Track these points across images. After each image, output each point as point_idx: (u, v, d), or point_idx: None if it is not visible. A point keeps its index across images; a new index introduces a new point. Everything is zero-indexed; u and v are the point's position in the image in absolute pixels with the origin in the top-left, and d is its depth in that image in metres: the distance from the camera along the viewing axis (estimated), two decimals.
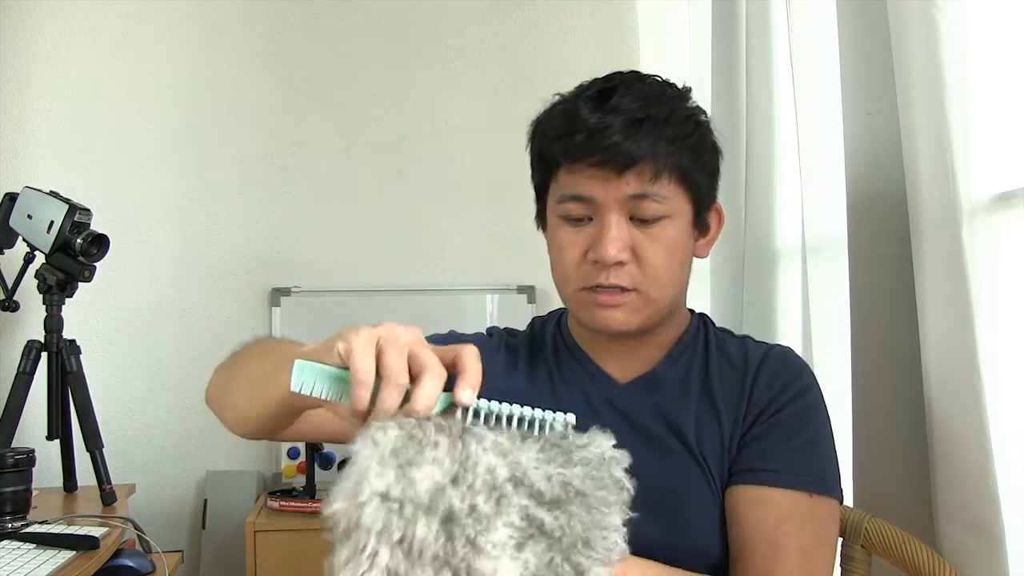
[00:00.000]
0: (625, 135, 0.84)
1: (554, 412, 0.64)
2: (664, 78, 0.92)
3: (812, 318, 1.37)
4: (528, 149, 0.95)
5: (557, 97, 0.93)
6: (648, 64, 2.32)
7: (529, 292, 2.39)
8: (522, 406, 0.63)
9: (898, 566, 0.97)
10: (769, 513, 0.85)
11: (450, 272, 2.43)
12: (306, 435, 0.96)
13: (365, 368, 0.60)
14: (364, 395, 0.60)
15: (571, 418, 0.64)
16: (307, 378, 0.61)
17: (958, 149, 0.93)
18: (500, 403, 0.63)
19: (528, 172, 0.96)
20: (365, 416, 0.61)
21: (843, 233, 1.20)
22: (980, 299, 0.91)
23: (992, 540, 0.90)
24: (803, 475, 0.86)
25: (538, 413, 0.63)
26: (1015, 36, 0.94)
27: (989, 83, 0.94)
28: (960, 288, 0.92)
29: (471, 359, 0.63)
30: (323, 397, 0.62)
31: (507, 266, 2.41)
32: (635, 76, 0.91)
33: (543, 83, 2.38)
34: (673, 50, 2.21)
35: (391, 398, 0.60)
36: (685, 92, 0.92)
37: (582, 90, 0.90)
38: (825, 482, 0.88)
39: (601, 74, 0.92)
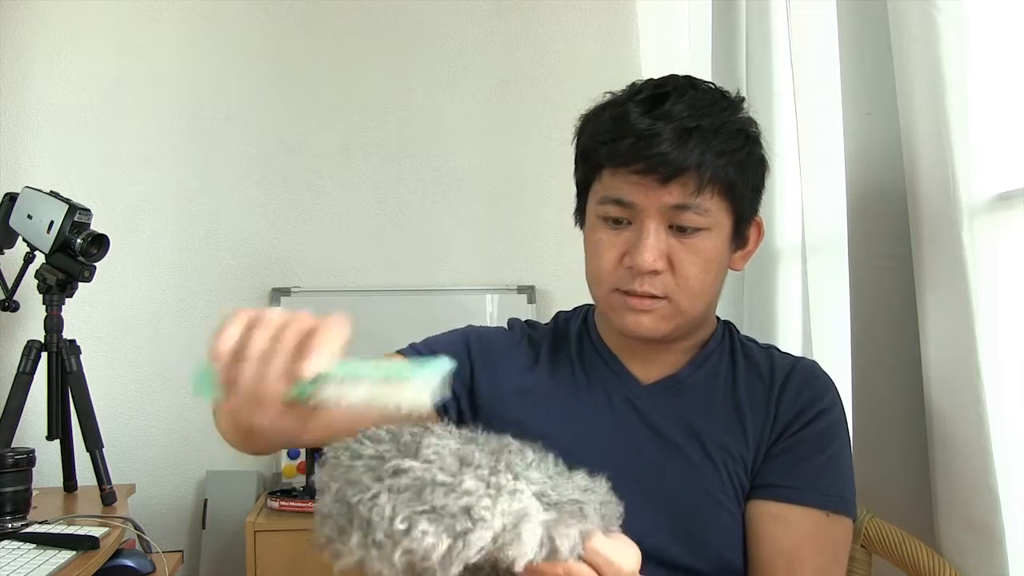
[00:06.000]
0: (673, 144, 0.82)
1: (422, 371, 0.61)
2: (718, 86, 0.90)
3: (812, 318, 1.37)
4: (573, 144, 0.94)
5: (608, 96, 0.90)
6: (648, 64, 2.31)
7: (529, 292, 2.38)
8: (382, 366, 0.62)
9: (898, 566, 0.97)
10: (788, 532, 0.85)
11: (450, 272, 2.43)
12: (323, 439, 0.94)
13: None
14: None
15: (445, 366, 0.62)
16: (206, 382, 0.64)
17: (958, 149, 0.93)
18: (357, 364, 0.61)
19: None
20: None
21: (843, 233, 1.20)
22: (980, 299, 0.91)
23: (992, 540, 0.91)
24: (824, 494, 0.86)
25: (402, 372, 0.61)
26: (1015, 36, 0.94)
27: (989, 83, 0.94)
28: (960, 288, 0.92)
29: (323, 335, 0.61)
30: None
31: (507, 266, 2.41)
32: (688, 82, 0.88)
33: (543, 83, 2.42)
34: (673, 50, 2.21)
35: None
36: (737, 102, 0.90)
37: (633, 92, 0.88)
38: (844, 501, 0.88)
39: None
